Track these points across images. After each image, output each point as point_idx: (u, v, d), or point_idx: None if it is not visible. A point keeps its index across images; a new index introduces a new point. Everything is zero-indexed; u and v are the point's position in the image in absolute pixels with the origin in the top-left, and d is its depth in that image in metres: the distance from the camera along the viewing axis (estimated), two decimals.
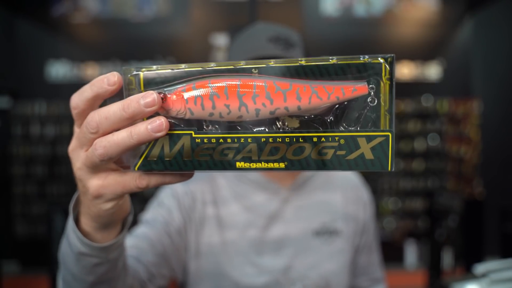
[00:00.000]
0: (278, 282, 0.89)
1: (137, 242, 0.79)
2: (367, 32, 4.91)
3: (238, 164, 0.37)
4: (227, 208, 0.93)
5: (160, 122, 0.36)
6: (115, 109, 0.37)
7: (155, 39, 4.79)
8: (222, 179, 0.96)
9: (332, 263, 0.93)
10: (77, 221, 0.49)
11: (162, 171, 0.38)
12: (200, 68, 0.37)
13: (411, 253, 4.61)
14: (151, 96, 0.36)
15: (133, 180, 0.40)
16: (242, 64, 0.36)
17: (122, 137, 0.37)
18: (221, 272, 0.89)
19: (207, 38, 4.67)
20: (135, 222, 0.90)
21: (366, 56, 0.35)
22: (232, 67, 0.36)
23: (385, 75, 0.35)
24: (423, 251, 4.45)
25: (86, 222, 0.47)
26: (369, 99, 0.35)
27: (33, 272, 4.33)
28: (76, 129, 0.42)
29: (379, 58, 0.35)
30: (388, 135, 0.35)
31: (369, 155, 0.35)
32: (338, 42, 4.90)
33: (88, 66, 4.77)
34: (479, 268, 0.88)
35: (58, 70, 4.75)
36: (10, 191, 4.57)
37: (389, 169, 0.35)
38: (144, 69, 0.38)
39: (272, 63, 0.36)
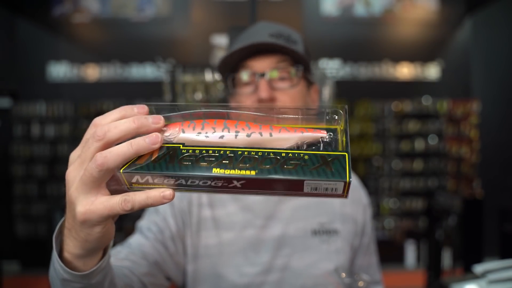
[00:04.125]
0: (276, 282, 0.90)
1: (130, 254, 0.80)
2: (367, 32, 4.92)
3: (215, 170, 0.42)
4: (224, 209, 0.94)
5: (156, 135, 0.44)
6: (124, 120, 0.44)
7: (155, 40, 4.80)
8: None
9: (330, 262, 0.93)
10: (61, 249, 0.52)
11: (145, 172, 0.43)
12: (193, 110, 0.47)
13: (410, 253, 4.62)
14: (157, 115, 0.45)
15: (119, 203, 0.44)
16: (231, 107, 0.47)
17: (122, 147, 0.43)
18: (218, 273, 0.89)
19: (208, 38, 4.67)
20: (132, 228, 0.91)
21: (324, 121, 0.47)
22: (220, 110, 0.47)
23: (340, 126, 0.46)
24: (423, 251, 4.46)
25: (70, 250, 0.50)
26: (327, 139, 0.45)
27: (34, 272, 4.34)
28: (75, 154, 0.48)
29: (335, 120, 0.46)
30: (345, 155, 0.43)
31: (329, 168, 0.42)
32: (338, 42, 4.91)
33: (88, 67, 4.78)
34: (478, 268, 0.88)
35: (59, 70, 4.76)
36: (11, 191, 4.58)
37: (347, 179, 0.41)
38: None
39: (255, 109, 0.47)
